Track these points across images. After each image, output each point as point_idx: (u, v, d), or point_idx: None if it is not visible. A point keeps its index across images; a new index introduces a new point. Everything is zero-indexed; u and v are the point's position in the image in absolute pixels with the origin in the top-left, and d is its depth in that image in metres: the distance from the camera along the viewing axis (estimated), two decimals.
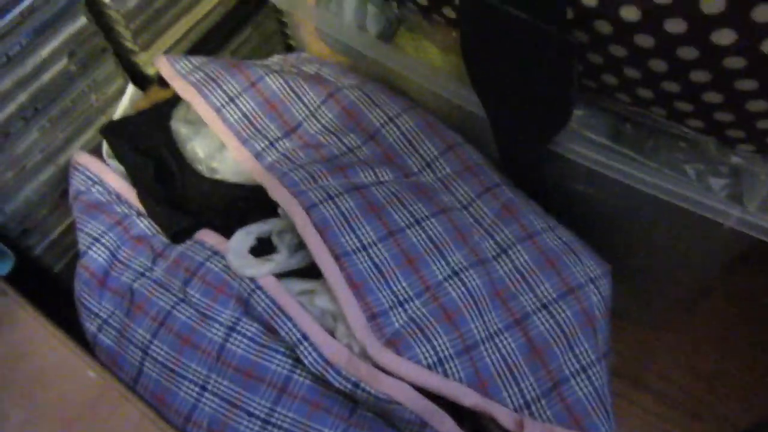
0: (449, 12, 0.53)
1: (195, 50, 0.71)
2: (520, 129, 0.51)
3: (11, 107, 0.55)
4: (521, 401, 0.47)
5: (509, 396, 0.47)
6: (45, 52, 0.56)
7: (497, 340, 0.49)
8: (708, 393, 0.71)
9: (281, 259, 0.50)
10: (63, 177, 0.63)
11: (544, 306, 0.50)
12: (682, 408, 0.70)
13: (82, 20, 0.57)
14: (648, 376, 0.72)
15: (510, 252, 0.52)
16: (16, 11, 0.52)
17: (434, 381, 0.46)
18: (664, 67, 0.43)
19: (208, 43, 0.72)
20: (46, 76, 0.57)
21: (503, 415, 0.46)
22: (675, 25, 0.39)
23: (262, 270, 0.50)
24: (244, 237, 0.52)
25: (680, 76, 0.43)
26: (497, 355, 0.48)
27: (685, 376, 0.72)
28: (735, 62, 0.40)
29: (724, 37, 0.39)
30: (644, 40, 0.42)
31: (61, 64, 0.58)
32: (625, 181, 0.50)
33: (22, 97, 0.56)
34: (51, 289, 0.67)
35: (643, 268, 0.65)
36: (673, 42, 0.41)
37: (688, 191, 0.48)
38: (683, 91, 0.45)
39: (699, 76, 0.42)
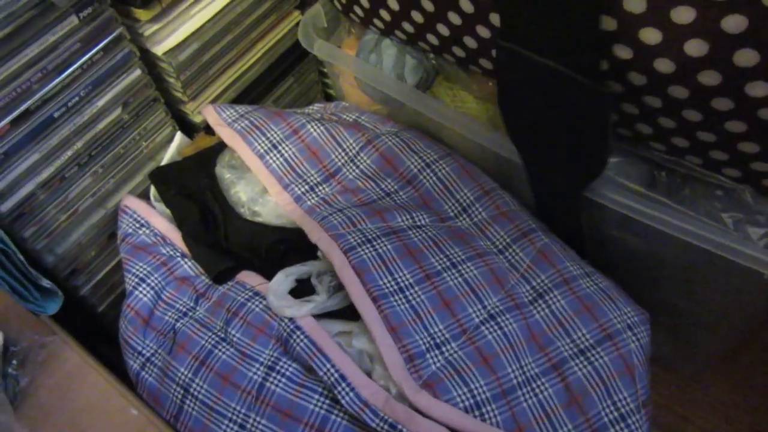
0: (486, 63, 0.55)
1: (239, 99, 0.74)
2: (555, 176, 0.52)
3: (68, 153, 0.58)
4: None
5: None
6: (101, 102, 0.59)
7: (534, 385, 0.49)
8: None
9: (320, 300, 0.52)
10: (111, 220, 0.65)
11: (582, 351, 0.50)
12: None
13: (136, 72, 0.61)
14: (688, 427, 0.71)
15: (546, 297, 0.53)
16: (77, 64, 0.56)
17: (471, 424, 0.46)
18: (699, 117, 0.44)
19: (252, 93, 0.76)
20: (101, 125, 0.60)
21: None
22: (709, 78, 0.40)
23: (301, 311, 0.51)
24: (284, 279, 0.53)
25: (715, 126, 0.44)
26: (534, 400, 0.48)
27: (724, 428, 0.70)
28: None
29: (759, 88, 0.39)
30: (679, 92, 0.43)
31: (116, 113, 0.61)
32: (661, 228, 0.50)
33: (78, 144, 0.59)
34: (94, 328, 0.70)
35: (683, 316, 0.64)
36: (707, 93, 0.42)
37: (725, 240, 0.48)
38: (718, 141, 0.45)
39: (734, 126, 0.43)
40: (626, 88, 0.45)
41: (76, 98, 0.57)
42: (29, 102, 0.53)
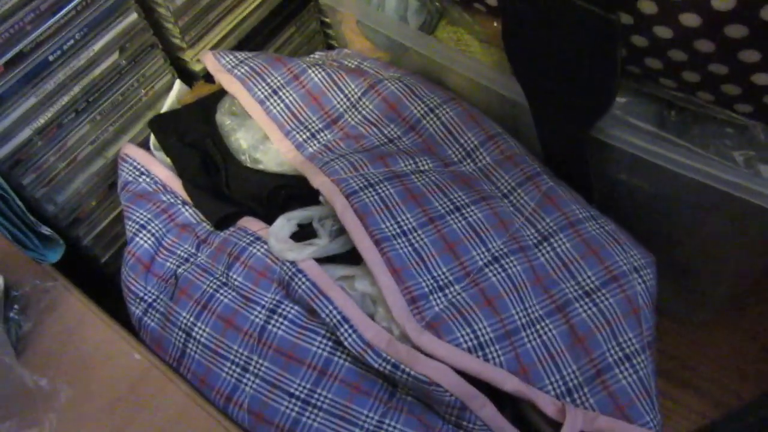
0: (491, 0, 0.53)
1: (239, 48, 0.72)
2: (562, 115, 0.51)
3: (64, 99, 0.57)
4: (563, 388, 0.47)
5: (551, 383, 0.47)
6: (97, 46, 0.58)
7: (538, 327, 0.48)
8: (752, 394, 0.68)
9: (322, 244, 0.51)
10: (112, 169, 0.65)
11: (587, 293, 0.49)
12: (728, 409, 0.68)
13: (133, 16, 0.60)
14: (694, 376, 0.70)
15: (551, 240, 0.52)
16: (71, 6, 0.54)
17: (474, 365, 0.45)
18: (711, 48, 0.42)
19: (252, 42, 0.74)
20: (98, 70, 0.59)
21: (544, 401, 0.46)
22: (722, 3, 0.39)
23: (302, 254, 0.50)
24: (286, 223, 0.53)
25: (728, 57, 0.43)
26: (538, 341, 0.48)
27: (732, 377, 0.69)
28: None
29: None
30: (690, 20, 0.41)
31: (113, 58, 0.60)
32: (671, 168, 0.49)
33: (75, 89, 0.58)
34: (98, 279, 0.69)
35: (690, 264, 0.63)
36: (720, 20, 0.40)
37: (736, 177, 0.47)
38: (731, 73, 0.44)
39: (748, 55, 0.42)
40: (636, 19, 0.43)
41: (72, 41, 0.55)
42: (23, 43, 0.52)
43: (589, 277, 0.50)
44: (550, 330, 0.48)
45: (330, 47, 0.84)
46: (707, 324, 0.74)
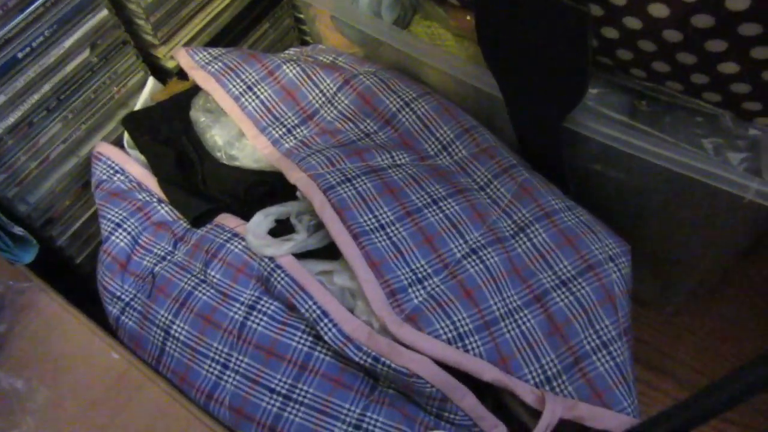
0: None
1: (212, 45, 0.72)
2: (536, 106, 0.51)
3: (34, 97, 0.57)
4: (542, 377, 0.47)
5: (530, 372, 0.47)
6: (68, 43, 0.57)
7: (517, 317, 0.49)
8: None
9: (300, 239, 0.51)
10: (85, 168, 0.64)
11: (563, 283, 0.50)
12: None
13: (103, 12, 0.59)
14: (669, 362, 0.72)
15: (528, 230, 0.53)
16: (39, 2, 0.53)
17: (454, 355, 0.46)
18: (679, 38, 0.43)
19: (226, 38, 0.73)
20: (69, 67, 0.58)
21: (524, 390, 0.46)
22: None
23: (281, 249, 0.50)
24: (263, 219, 0.53)
25: (696, 46, 0.43)
26: (517, 331, 0.48)
27: (707, 362, 0.71)
28: (751, 29, 0.40)
29: (740, 3, 0.39)
30: (659, 10, 0.42)
31: (83, 55, 0.59)
32: (643, 157, 0.50)
33: (46, 87, 0.57)
34: (73, 280, 0.68)
35: (664, 252, 0.64)
36: (687, 10, 0.41)
37: (706, 165, 0.47)
38: (699, 63, 0.45)
39: (715, 45, 0.42)
40: (606, 10, 0.44)
41: (41, 38, 0.54)
42: None
43: (565, 267, 0.51)
44: (528, 320, 0.49)
45: (304, 43, 0.84)
46: (683, 311, 0.75)
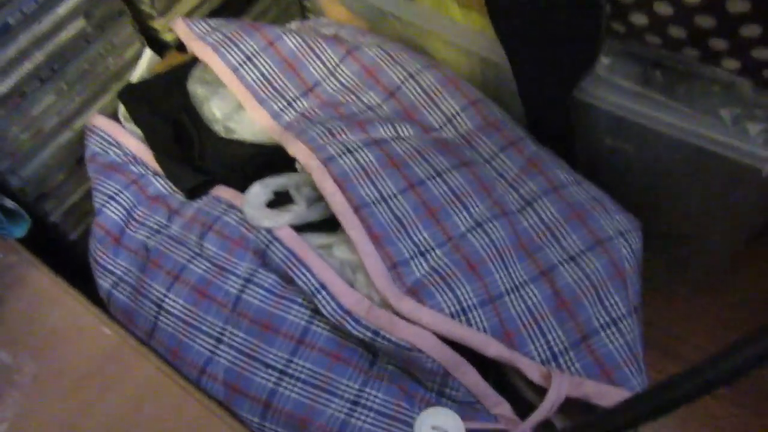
0: None
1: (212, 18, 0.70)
2: (546, 76, 0.49)
3: (27, 66, 0.55)
4: (548, 353, 0.45)
5: (535, 348, 0.45)
6: (61, 10, 0.55)
7: (522, 292, 0.47)
8: None
9: (299, 211, 0.49)
10: (80, 142, 0.62)
11: (572, 258, 0.48)
12: None
13: None
14: (680, 345, 0.70)
15: (535, 205, 0.51)
16: None
17: (457, 330, 0.44)
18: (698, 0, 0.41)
19: (226, 12, 0.72)
20: (63, 36, 0.56)
21: (529, 367, 0.44)
22: None
23: (279, 221, 0.48)
24: (261, 190, 0.51)
25: (716, 8, 0.41)
26: (523, 306, 0.46)
27: (718, 346, 0.68)
28: None
29: None
30: None
31: (78, 24, 0.57)
32: (656, 128, 0.48)
33: (39, 57, 0.55)
34: (66, 257, 0.67)
35: (676, 230, 0.62)
36: None
37: (723, 136, 0.46)
38: (719, 26, 0.42)
39: (737, 5, 0.40)
40: None
41: (33, 3, 0.53)
42: None
43: (573, 242, 0.49)
44: (534, 295, 0.47)
45: (307, 17, 0.82)
46: (693, 294, 0.73)
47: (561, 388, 0.43)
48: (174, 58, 0.65)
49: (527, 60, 0.50)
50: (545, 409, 0.42)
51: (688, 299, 0.73)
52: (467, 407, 0.45)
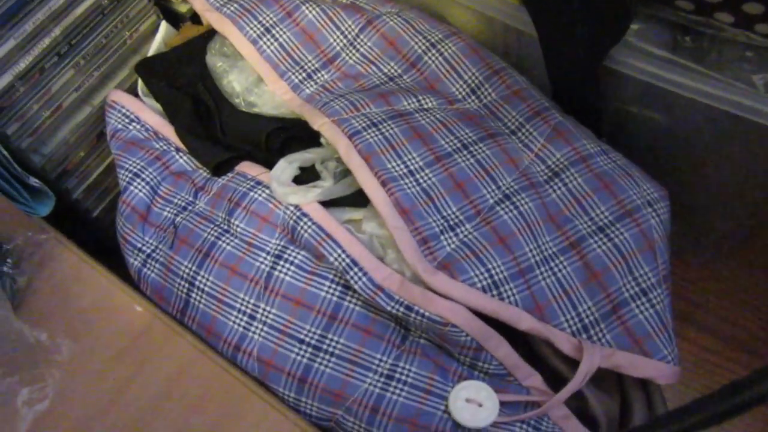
0: None
1: None
2: (574, 44, 0.49)
3: (45, 41, 0.54)
4: (579, 325, 0.46)
5: (566, 320, 0.46)
6: None
7: (552, 264, 0.47)
8: (763, 329, 0.68)
9: (326, 186, 0.49)
10: (99, 118, 0.62)
11: (601, 229, 0.48)
12: (736, 344, 0.68)
13: None
14: (700, 312, 0.70)
15: (563, 175, 0.50)
16: None
17: (490, 304, 0.44)
18: None
19: None
20: (79, 10, 0.56)
21: (561, 339, 0.45)
22: None
23: (306, 197, 0.48)
24: (287, 166, 0.51)
25: None
26: (553, 278, 0.47)
27: (739, 312, 0.69)
28: None
29: None
30: None
31: None
32: (686, 95, 0.47)
33: (56, 31, 0.55)
34: (91, 233, 0.67)
35: (700, 199, 0.62)
36: None
37: (757, 102, 0.45)
38: None
39: None
40: None
41: None
42: None
43: (602, 212, 0.49)
44: (564, 267, 0.47)
45: None
46: (711, 259, 0.73)
47: (593, 359, 0.43)
48: (189, 30, 0.64)
49: (556, 30, 0.49)
50: (578, 381, 0.43)
51: (707, 265, 0.73)
52: (499, 379, 0.46)
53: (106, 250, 0.63)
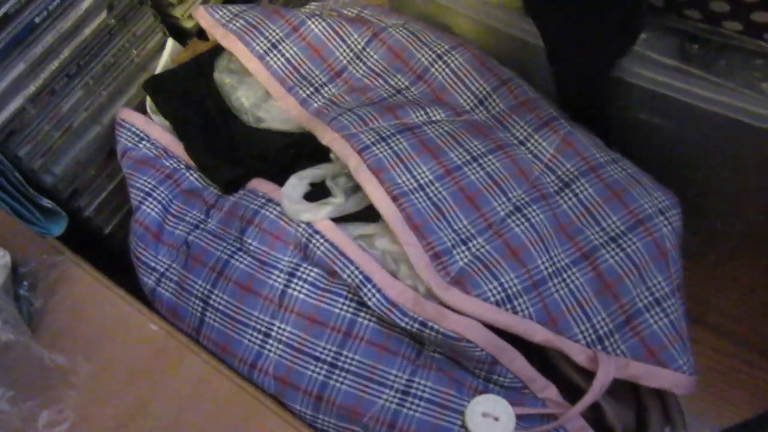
0: None
1: (230, 2, 0.69)
2: (583, 55, 0.49)
3: (54, 63, 0.55)
4: (593, 336, 0.46)
5: (581, 332, 0.46)
6: (84, 4, 0.55)
7: (565, 276, 0.47)
8: None
9: (338, 203, 0.49)
10: (108, 136, 0.62)
11: (613, 239, 0.48)
12: (749, 345, 0.68)
13: None
14: (713, 314, 0.70)
15: (573, 186, 0.50)
16: None
17: (504, 318, 0.44)
18: None
19: None
20: (87, 31, 0.56)
21: (575, 351, 0.45)
22: None
23: (318, 214, 0.49)
24: (298, 182, 0.51)
25: None
26: (566, 290, 0.47)
27: (751, 314, 0.69)
28: None
29: None
30: None
31: (101, 17, 0.57)
32: (695, 103, 0.47)
33: (65, 53, 0.55)
34: (103, 251, 0.68)
35: (709, 203, 0.62)
36: None
37: (765, 110, 0.45)
38: None
39: None
40: None
41: (57, 1, 0.52)
42: (7, 6, 0.49)
43: (614, 222, 0.49)
44: (577, 278, 0.47)
45: None
46: (723, 261, 0.73)
47: (609, 370, 0.43)
48: (196, 46, 0.64)
49: (563, 39, 0.49)
50: (594, 392, 0.43)
51: (718, 267, 0.73)
52: (514, 392, 0.46)
53: (118, 266, 0.63)
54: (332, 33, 0.59)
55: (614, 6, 0.43)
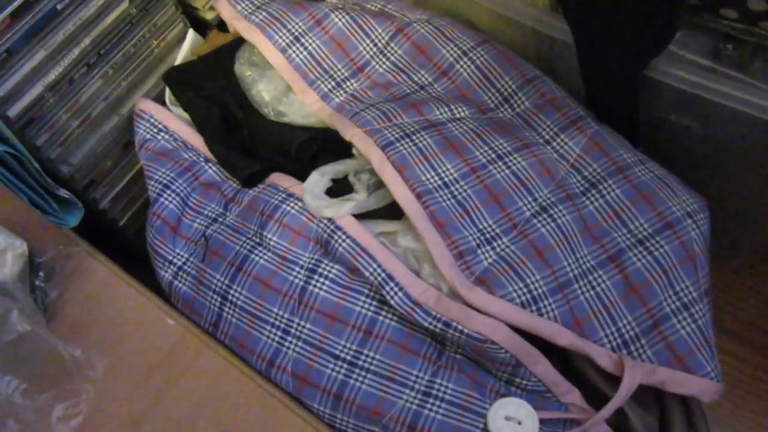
0: None
1: None
2: (616, 52, 0.48)
3: (75, 52, 0.54)
4: (619, 341, 0.45)
5: (606, 335, 0.45)
6: None
7: (591, 278, 0.46)
8: None
9: (360, 199, 0.48)
10: (126, 127, 0.62)
11: (640, 241, 0.47)
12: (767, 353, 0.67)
13: None
14: (732, 321, 0.69)
15: (600, 186, 0.49)
16: None
17: (529, 320, 0.43)
18: None
19: None
20: (108, 19, 0.56)
21: (601, 355, 0.44)
22: None
23: (341, 210, 0.48)
24: (320, 178, 0.50)
25: None
26: (592, 293, 0.46)
27: None
28: None
29: None
30: None
31: (122, 7, 0.56)
32: (728, 104, 0.46)
33: (86, 42, 0.54)
34: (117, 243, 0.67)
35: (731, 207, 0.61)
36: None
37: None
38: None
39: None
40: None
41: None
42: None
43: (641, 224, 0.48)
44: (603, 281, 0.46)
45: None
46: (744, 267, 0.72)
47: (635, 376, 0.43)
48: (217, 38, 0.64)
49: (596, 37, 0.48)
50: (620, 398, 0.42)
51: (738, 273, 0.71)
52: (537, 396, 0.45)
53: (133, 258, 0.63)
54: (356, 27, 0.58)
55: (653, 5, 0.41)
